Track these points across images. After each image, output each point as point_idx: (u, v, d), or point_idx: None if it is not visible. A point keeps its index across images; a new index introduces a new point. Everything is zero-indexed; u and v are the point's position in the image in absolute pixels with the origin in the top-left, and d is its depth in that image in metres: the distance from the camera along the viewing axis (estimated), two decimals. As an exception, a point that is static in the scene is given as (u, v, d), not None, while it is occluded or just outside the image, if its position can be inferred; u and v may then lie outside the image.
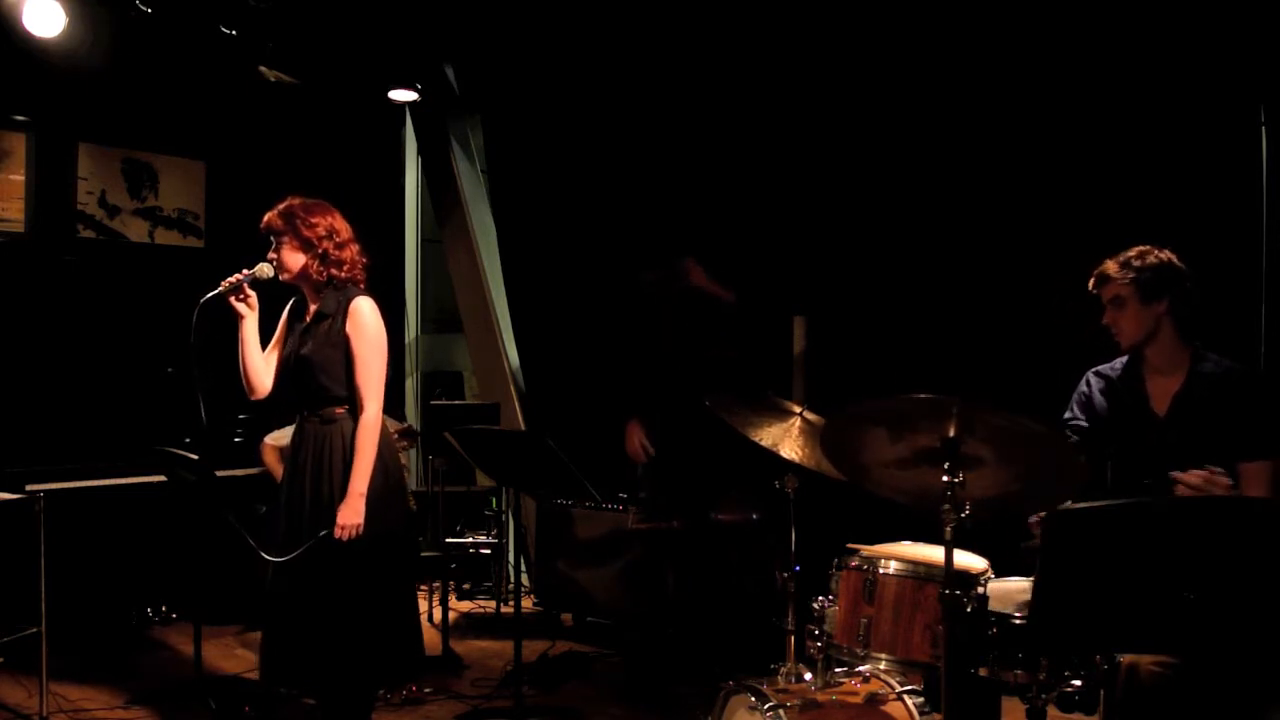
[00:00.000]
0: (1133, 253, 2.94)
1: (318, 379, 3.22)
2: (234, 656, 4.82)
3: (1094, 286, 3.00)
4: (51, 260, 5.51)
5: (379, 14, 5.49)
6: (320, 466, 3.23)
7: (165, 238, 5.97)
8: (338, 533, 3.12)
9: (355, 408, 3.23)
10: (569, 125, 5.87)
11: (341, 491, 3.17)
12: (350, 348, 3.22)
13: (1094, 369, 3.11)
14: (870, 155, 4.57)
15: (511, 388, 6.13)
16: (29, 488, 4.22)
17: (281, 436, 4.93)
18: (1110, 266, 2.96)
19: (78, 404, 5.22)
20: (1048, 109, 4.06)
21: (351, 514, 3.13)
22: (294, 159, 6.05)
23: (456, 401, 6.39)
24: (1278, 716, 2.48)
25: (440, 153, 6.35)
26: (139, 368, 5.49)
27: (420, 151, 6.68)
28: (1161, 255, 2.92)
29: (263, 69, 5.42)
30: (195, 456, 4.17)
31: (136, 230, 5.87)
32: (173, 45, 5.27)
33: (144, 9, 4.80)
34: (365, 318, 3.23)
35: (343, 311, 3.24)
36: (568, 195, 5.90)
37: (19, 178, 5.42)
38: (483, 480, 5.97)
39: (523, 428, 5.99)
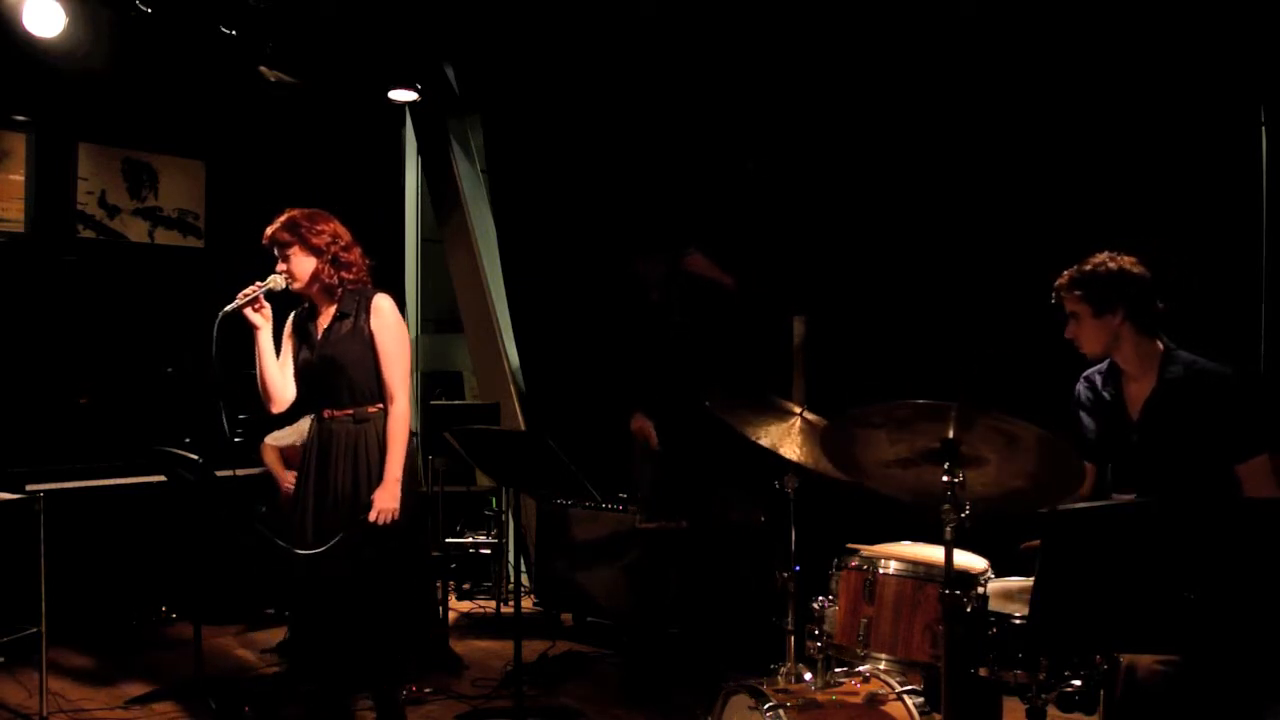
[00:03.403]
0: (1087, 265, 2.88)
1: (348, 377, 3.32)
2: (234, 656, 4.83)
3: (1054, 300, 2.96)
4: (51, 260, 5.51)
5: (379, 14, 5.49)
6: (356, 463, 3.31)
7: (165, 238, 5.97)
8: (374, 516, 3.21)
9: (385, 402, 3.34)
10: (569, 125, 5.86)
11: (379, 485, 3.26)
12: (376, 343, 3.33)
13: (1085, 374, 3.10)
14: (869, 153, 4.57)
15: (511, 388, 6.13)
16: (29, 488, 4.23)
17: (282, 436, 4.93)
18: (1062, 281, 2.92)
19: (78, 404, 5.21)
20: (1049, 108, 4.06)
21: (389, 498, 3.24)
22: (294, 159, 6.06)
23: (456, 401, 6.39)
24: (1278, 716, 2.48)
25: (440, 153, 6.35)
26: (139, 368, 5.49)
27: (420, 151, 6.68)
28: (1113, 264, 2.86)
29: (263, 69, 5.41)
30: (195, 456, 4.18)
31: (136, 230, 5.87)
32: (173, 45, 5.27)
33: (144, 9, 4.80)
34: (387, 313, 3.36)
35: (364, 309, 3.35)
36: (568, 195, 5.90)
37: (19, 178, 5.42)
38: (483, 480, 5.97)
39: (523, 428, 5.99)
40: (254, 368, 3.33)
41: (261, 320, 3.31)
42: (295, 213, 3.38)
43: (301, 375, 3.40)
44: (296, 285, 3.35)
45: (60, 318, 5.45)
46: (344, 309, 3.36)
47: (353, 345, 3.32)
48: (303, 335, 3.43)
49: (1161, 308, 2.88)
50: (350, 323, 3.34)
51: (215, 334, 3.17)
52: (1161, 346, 2.90)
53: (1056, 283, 2.95)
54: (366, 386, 3.33)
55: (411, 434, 3.42)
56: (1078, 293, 2.88)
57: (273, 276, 3.33)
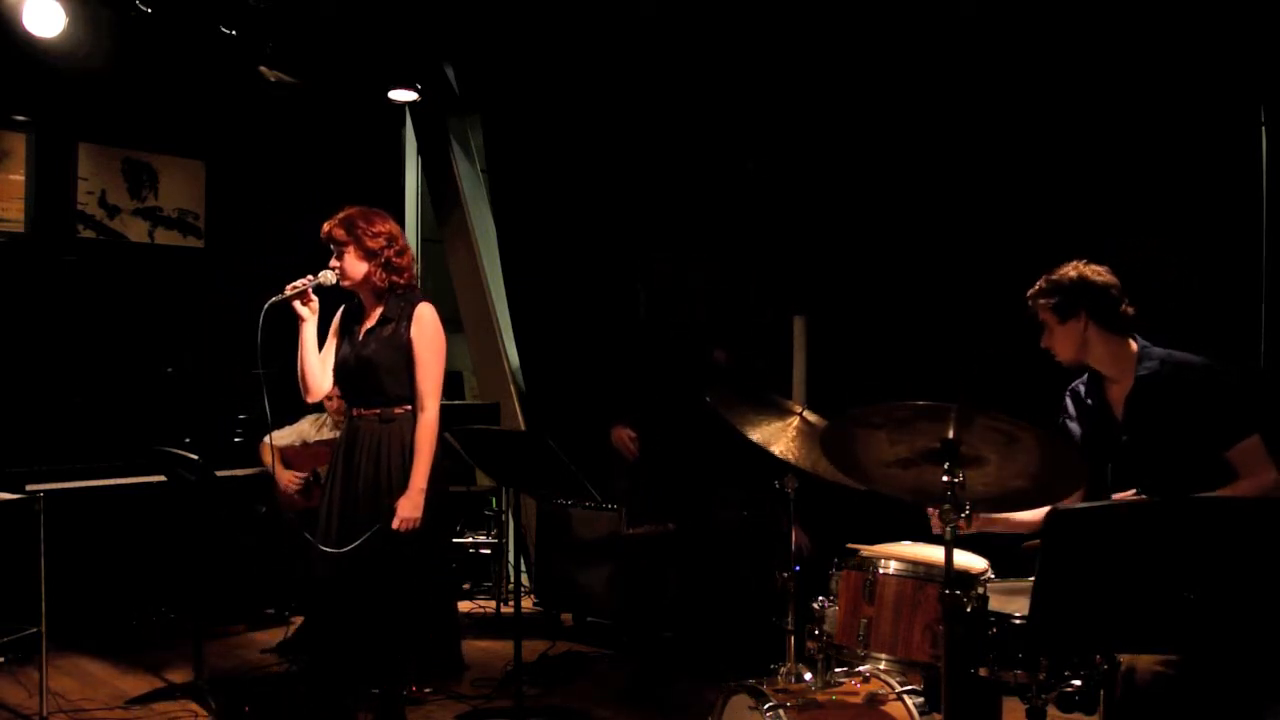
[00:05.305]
0: (1053, 275, 2.96)
1: (381, 379, 3.37)
2: (234, 656, 4.82)
3: (1029, 312, 3.03)
4: (51, 260, 5.51)
5: (379, 14, 5.49)
6: (378, 463, 3.36)
7: (165, 238, 5.96)
8: (397, 524, 3.26)
9: (415, 408, 3.38)
10: (569, 125, 5.87)
11: (400, 486, 3.30)
12: (413, 351, 3.38)
13: (1069, 387, 3.13)
14: (869, 153, 4.57)
15: (511, 388, 6.14)
16: (29, 488, 4.23)
17: (282, 436, 4.93)
18: (1031, 292, 3.00)
19: (78, 404, 5.21)
20: (1049, 109, 4.06)
21: (411, 508, 3.28)
22: (294, 159, 6.06)
23: (456, 401, 6.38)
24: (1278, 716, 2.48)
25: (440, 153, 6.35)
26: (139, 368, 5.49)
27: (420, 151, 6.68)
28: (1074, 272, 2.93)
29: (263, 69, 5.41)
30: (195, 456, 4.18)
31: (136, 230, 5.87)
32: (173, 45, 5.28)
33: (144, 9, 4.80)
34: (428, 323, 3.41)
35: (407, 316, 3.40)
36: (568, 195, 5.90)
37: (19, 178, 5.42)
38: (483, 480, 5.97)
39: (523, 428, 5.99)
40: (260, 368, 3.32)
41: (309, 313, 3.37)
42: (353, 211, 3.42)
43: (338, 372, 3.47)
44: (347, 283, 3.41)
45: (60, 318, 5.44)
46: (388, 313, 3.42)
47: (389, 350, 3.37)
48: (346, 332, 3.49)
49: (1130, 311, 2.92)
50: (392, 327, 3.40)
51: (260, 324, 3.22)
52: (1135, 346, 2.95)
53: (1028, 294, 3.02)
54: (396, 390, 3.39)
55: (441, 434, 3.46)
56: (1043, 301, 2.97)
57: (324, 271, 3.38)
